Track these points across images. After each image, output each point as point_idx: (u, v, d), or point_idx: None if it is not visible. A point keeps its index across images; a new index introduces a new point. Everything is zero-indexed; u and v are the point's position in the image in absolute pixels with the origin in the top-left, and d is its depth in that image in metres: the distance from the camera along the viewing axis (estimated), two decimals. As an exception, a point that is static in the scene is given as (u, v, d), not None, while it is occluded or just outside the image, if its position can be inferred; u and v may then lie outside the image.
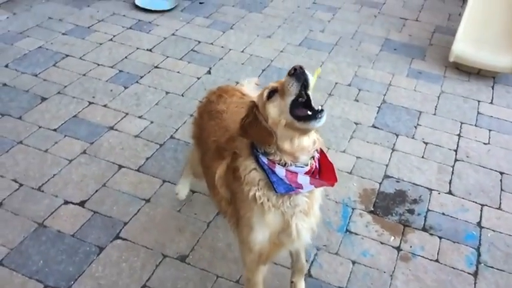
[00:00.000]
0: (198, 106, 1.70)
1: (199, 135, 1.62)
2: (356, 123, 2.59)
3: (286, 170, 1.16)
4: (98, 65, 2.92)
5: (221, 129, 1.46)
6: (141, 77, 2.83)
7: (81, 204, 1.99)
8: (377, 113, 2.67)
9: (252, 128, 1.13)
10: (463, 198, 2.17)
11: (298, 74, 1.08)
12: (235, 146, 1.29)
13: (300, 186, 1.18)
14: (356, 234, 1.95)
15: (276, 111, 1.12)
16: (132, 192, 2.06)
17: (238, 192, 1.26)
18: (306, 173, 1.17)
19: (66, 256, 1.77)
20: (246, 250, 1.32)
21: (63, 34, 3.19)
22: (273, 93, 1.12)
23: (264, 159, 1.17)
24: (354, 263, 1.83)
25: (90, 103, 2.59)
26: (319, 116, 1.10)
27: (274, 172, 1.17)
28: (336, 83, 2.92)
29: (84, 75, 2.82)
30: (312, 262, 1.81)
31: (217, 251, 1.83)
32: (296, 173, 1.16)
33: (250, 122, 1.14)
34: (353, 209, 2.07)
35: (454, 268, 1.84)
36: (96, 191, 2.06)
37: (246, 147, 1.23)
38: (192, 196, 2.08)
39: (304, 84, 1.09)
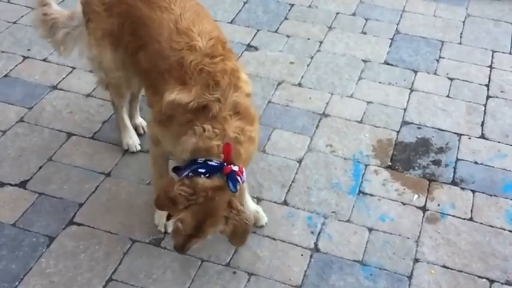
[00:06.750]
0: None
1: (134, 28, 1.56)
2: (364, 61, 2.48)
3: None
4: (33, 8, 2.64)
5: (182, 35, 1.45)
6: (89, 21, 2.54)
7: (22, 185, 1.85)
8: (389, 46, 2.56)
9: (175, 205, 1.33)
10: (499, 142, 2.09)
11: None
12: (219, 94, 1.38)
13: None
14: (371, 195, 1.86)
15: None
16: (87, 166, 1.92)
17: (179, 129, 1.40)
18: None
19: (6, 251, 1.65)
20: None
21: (-18, -29, 2.90)
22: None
23: (185, 171, 1.36)
24: (370, 230, 1.75)
25: (25, 58, 2.39)
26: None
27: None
28: (337, 13, 2.77)
29: (14, 23, 2.58)
30: (319, 233, 1.74)
31: (200, 230, 1.67)
32: None
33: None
34: (366, 165, 1.97)
35: (492, 226, 1.77)
36: (40, 167, 1.91)
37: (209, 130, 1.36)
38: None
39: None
